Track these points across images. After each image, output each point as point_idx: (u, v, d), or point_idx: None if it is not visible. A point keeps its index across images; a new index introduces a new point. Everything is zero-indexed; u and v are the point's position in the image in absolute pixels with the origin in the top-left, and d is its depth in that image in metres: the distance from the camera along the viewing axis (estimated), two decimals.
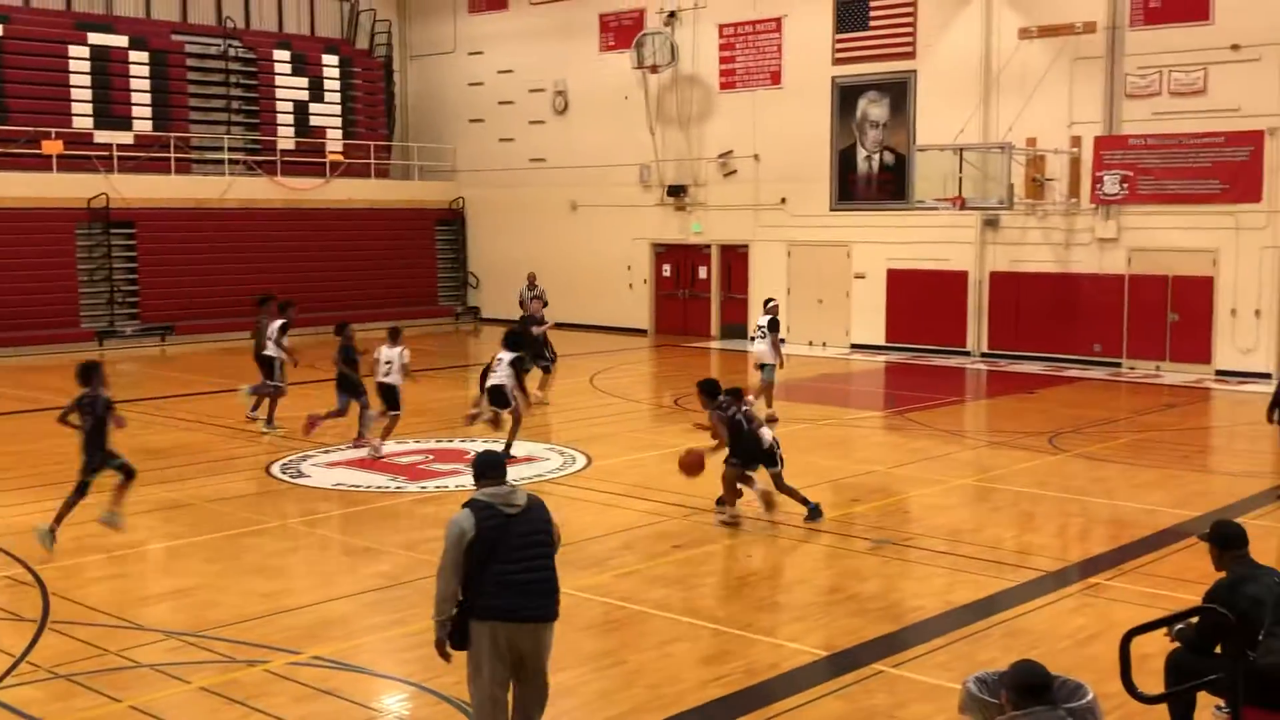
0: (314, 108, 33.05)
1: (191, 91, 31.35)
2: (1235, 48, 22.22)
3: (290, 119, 32.62)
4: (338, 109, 33.54)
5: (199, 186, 30.15)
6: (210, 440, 17.02)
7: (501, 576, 6.24)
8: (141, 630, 9.28)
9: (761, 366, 18.42)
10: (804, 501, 12.39)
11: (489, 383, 15.35)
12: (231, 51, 32.07)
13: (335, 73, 33.57)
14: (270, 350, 18.07)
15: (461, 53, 34.68)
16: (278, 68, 32.63)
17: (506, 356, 15.21)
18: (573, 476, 14.65)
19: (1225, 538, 6.93)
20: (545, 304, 22.18)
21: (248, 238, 30.60)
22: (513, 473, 14.55)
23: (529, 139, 33.23)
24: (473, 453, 15.59)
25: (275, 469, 15.08)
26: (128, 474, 11.41)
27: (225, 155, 30.88)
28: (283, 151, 32.06)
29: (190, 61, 31.46)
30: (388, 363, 16.12)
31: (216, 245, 30.10)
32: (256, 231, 30.78)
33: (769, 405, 18.09)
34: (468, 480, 14.20)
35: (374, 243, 32.94)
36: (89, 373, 11.36)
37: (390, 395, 16.01)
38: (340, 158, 32.89)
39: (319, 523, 12.87)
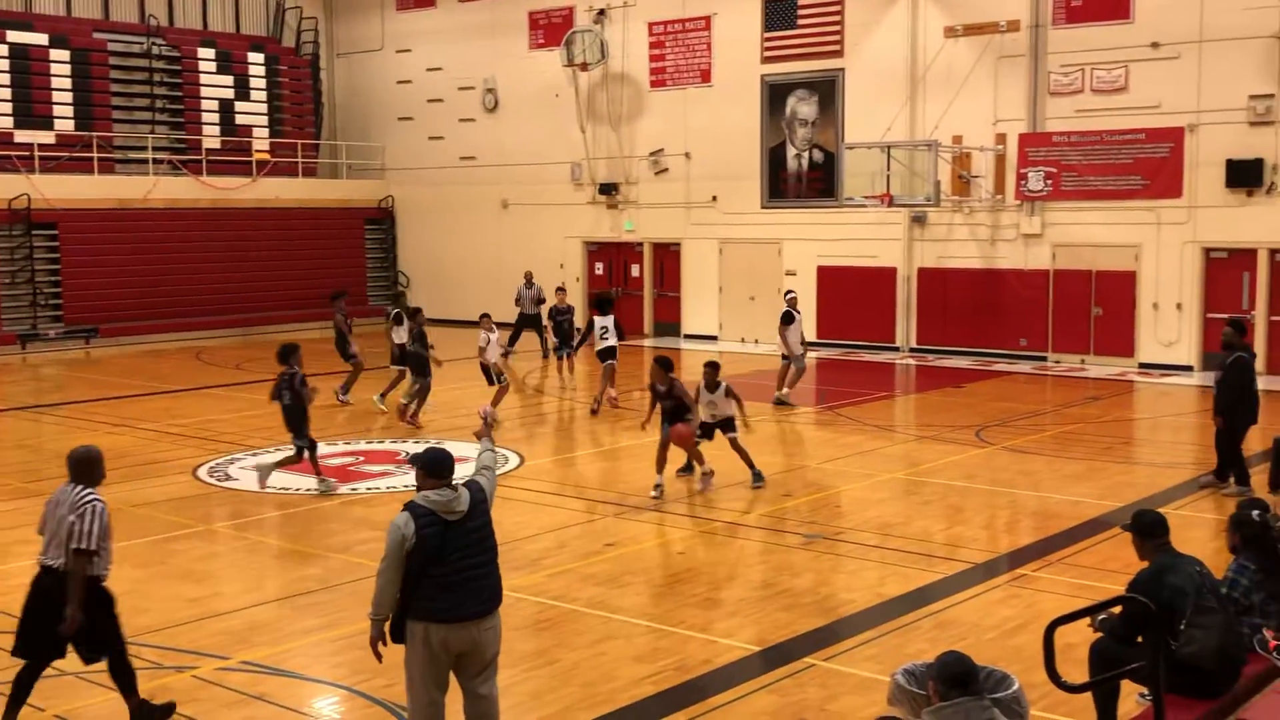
0: (240, 106, 32.65)
1: (114, 90, 30.85)
2: (1155, 46, 22.62)
3: (215, 117, 32.20)
4: (264, 107, 33.15)
5: (123, 186, 29.68)
6: (136, 444, 16.77)
7: (438, 580, 6.32)
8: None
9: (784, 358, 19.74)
10: (751, 465, 13.75)
11: (603, 345, 17.05)
12: (155, 49, 31.60)
13: (261, 71, 33.19)
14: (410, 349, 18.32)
15: (389, 50, 34.43)
16: (202, 66, 32.20)
17: (609, 321, 17.54)
18: (505, 476, 14.59)
19: (1146, 527, 7.06)
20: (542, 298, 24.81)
21: (173, 238, 30.18)
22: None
23: (459, 137, 33.08)
24: (405, 454, 15.64)
25: (203, 472, 14.89)
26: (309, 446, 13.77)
27: (149, 155, 30.43)
28: (208, 150, 31.65)
29: (112, 60, 30.96)
30: (482, 346, 18.01)
31: (141, 246, 29.66)
32: (182, 232, 30.38)
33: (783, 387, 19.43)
34: (399, 481, 14.22)
35: (302, 242, 32.62)
36: (288, 353, 13.69)
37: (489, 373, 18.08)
38: (267, 156, 32.53)
39: (248, 526, 12.72)
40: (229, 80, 32.49)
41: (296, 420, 13.69)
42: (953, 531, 12.17)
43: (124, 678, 7.50)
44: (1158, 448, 16.74)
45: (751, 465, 13.75)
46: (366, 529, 12.22)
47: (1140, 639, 6.64)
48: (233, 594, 10.24)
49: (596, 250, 31.04)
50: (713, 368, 13.89)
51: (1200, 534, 11.36)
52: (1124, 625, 6.71)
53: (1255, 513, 7.50)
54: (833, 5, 26.35)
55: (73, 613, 7.19)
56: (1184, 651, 6.55)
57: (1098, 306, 23.74)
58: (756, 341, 27.17)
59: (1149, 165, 22.87)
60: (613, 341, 19.06)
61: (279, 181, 32.39)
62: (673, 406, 13.44)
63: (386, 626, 6.53)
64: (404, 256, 34.89)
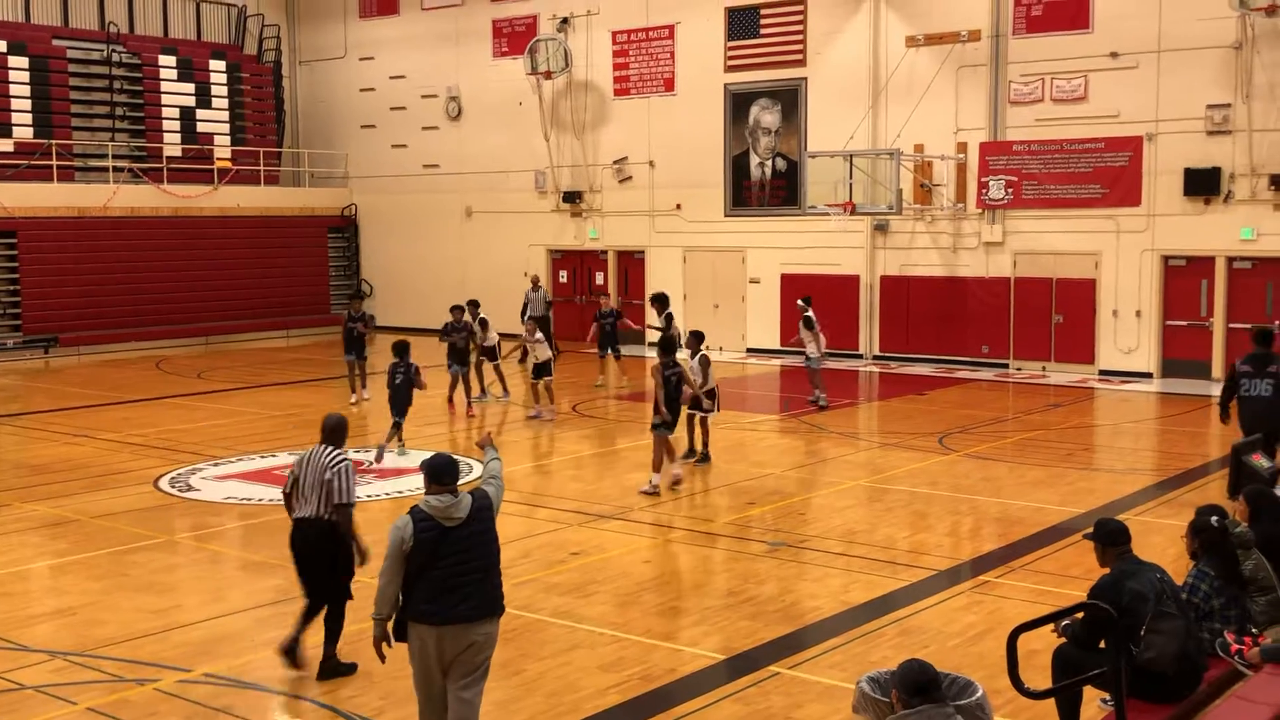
0: (201, 114, 32.43)
1: (74, 98, 30.59)
2: (1114, 55, 22.85)
3: (177, 125, 31.97)
4: (226, 115, 32.95)
5: (82, 195, 29.42)
6: (96, 454, 16.61)
7: (434, 582, 6.50)
8: (26, 651, 9.02)
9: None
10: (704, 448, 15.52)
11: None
12: (115, 57, 31.36)
13: (223, 78, 32.98)
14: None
15: (352, 58, 34.32)
16: (163, 73, 31.97)
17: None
18: (469, 485, 14.54)
19: (1109, 535, 7.12)
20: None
21: (133, 247, 29.95)
22: (405, 483, 14.49)
23: (422, 145, 33.00)
24: (369, 463, 15.57)
25: (164, 483, 14.77)
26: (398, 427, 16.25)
27: (109, 163, 30.18)
28: (169, 158, 31.42)
29: (72, 67, 30.71)
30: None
31: (101, 255, 29.41)
32: (142, 240, 30.15)
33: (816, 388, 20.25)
34: (363, 491, 14.12)
35: (264, 250, 32.44)
36: (403, 349, 16.22)
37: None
38: (228, 164, 32.33)
39: (210, 537, 12.63)
40: (190, 88, 32.28)
41: (402, 401, 16.19)
42: (916, 538, 12.23)
43: (335, 625, 8.53)
44: (1118, 454, 16.88)
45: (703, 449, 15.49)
46: None
47: (1102, 645, 6.70)
48: (195, 606, 10.16)
49: (561, 258, 31.02)
50: (696, 337, 15.69)
51: (1160, 540, 11.46)
52: (1086, 631, 6.76)
53: (1214, 519, 7.58)
54: (795, 15, 26.48)
55: (360, 548, 8.62)
56: (1145, 657, 6.61)
57: (1058, 314, 23.93)
58: (721, 349, 27.20)
59: (1108, 174, 23.10)
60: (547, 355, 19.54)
61: (241, 190, 32.20)
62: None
63: (390, 626, 6.68)
64: (367, 265, 34.76)
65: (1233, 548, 7.58)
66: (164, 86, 31.93)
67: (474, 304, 21.87)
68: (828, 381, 20.73)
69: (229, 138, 32.89)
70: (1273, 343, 13.20)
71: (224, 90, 32.96)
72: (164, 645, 9.12)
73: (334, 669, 8.45)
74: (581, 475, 15.47)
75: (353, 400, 21.02)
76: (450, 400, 20.36)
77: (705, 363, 15.26)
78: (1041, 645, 7.28)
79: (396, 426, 16.24)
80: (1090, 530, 7.28)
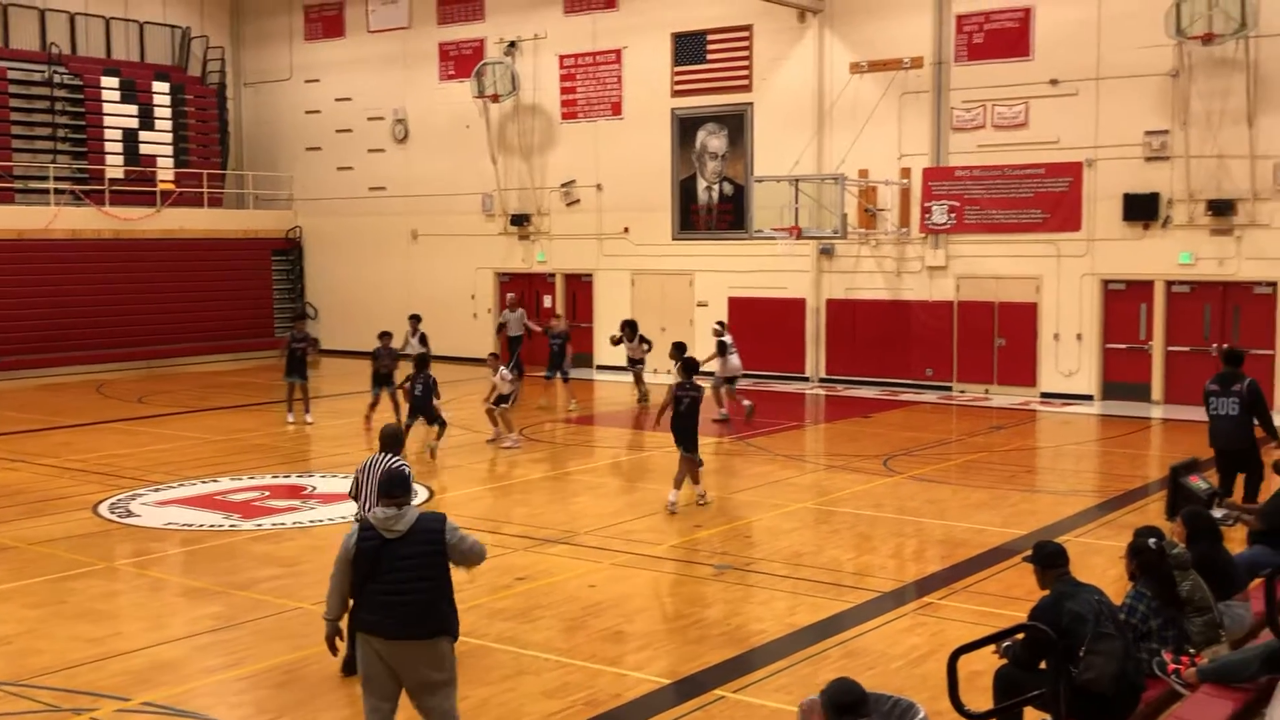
0: (144, 135, 32.12)
1: (14, 119, 30.19)
2: (1054, 83, 23.19)
3: (119, 147, 31.62)
4: (169, 137, 32.64)
5: (22, 217, 29.01)
6: (33, 480, 16.36)
7: (374, 595, 6.68)
8: None
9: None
10: None
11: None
12: (56, 78, 31.01)
13: (166, 100, 32.68)
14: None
15: (298, 80, 34.15)
16: (105, 95, 31.63)
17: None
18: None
19: (1047, 557, 7.21)
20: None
21: (74, 269, 29.56)
22: (349, 508, 14.38)
23: (368, 167, 32.87)
24: (311, 488, 15.44)
25: (104, 509, 14.57)
26: (443, 425, 17.82)
27: (50, 185, 29.79)
28: (111, 180, 31.08)
29: (12, 88, 30.30)
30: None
31: (41, 277, 28.98)
32: (83, 263, 29.76)
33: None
34: (305, 516, 14.03)
35: (207, 273, 32.12)
36: (423, 362, 17.82)
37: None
38: (172, 186, 32.03)
39: (150, 564, 12.46)
40: (133, 109, 31.98)
41: (426, 407, 17.59)
42: (861, 560, 12.30)
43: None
44: (1059, 476, 17.06)
45: None
46: (272, 565, 12.04)
47: (1042, 666, 6.77)
48: (134, 633, 10.02)
49: (508, 281, 30.97)
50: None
51: (1101, 561, 11.59)
52: (1026, 652, 6.84)
53: (1151, 541, 7.69)
54: (741, 41, 26.67)
55: None
56: (1084, 677, 6.68)
57: (1000, 337, 24.19)
58: (669, 372, 27.19)
59: (1049, 199, 23.41)
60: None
61: (184, 212, 31.90)
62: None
63: (344, 627, 7.03)
64: (312, 287, 34.52)
65: (1170, 569, 7.69)
66: (106, 108, 31.59)
67: (415, 318, 22.20)
68: (774, 405, 20.87)
69: (172, 160, 32.58)
70: (1241, 363, 13.37)
71: (167, 112, 32.66)
72: (102, 674, 8.99)
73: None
74: (528, 500, 15.43)
75: (290, 422, 20.88)
76: (367, 419, 20.34)
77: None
78: (983, 666, 7.34)
79: (442, 425, 17.74)
80: (1029, 553, 7.36)
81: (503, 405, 19.21)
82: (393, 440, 9.48)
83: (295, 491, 15.62)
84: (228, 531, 13.51)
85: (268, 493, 15.52)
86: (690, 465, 14.42)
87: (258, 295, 33.56)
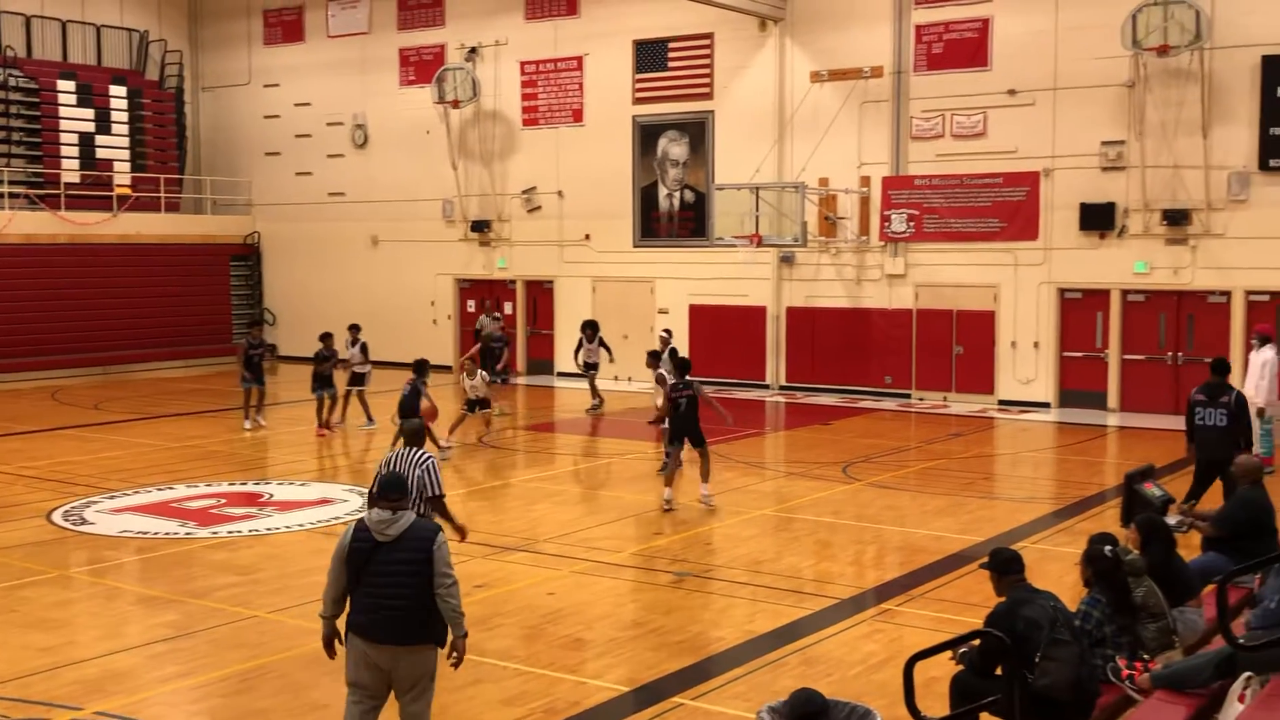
0: (101, 139, 31.84)
1: None
2: (1012, 93, 23.39)
3: (75, 151, 31.33)
4: (126, 141, 32.37)
5: None
6: None
7: (362, 596, 6.75)
8: None
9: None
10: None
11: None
12: (11, 81, 30.69)
13: (123, 104, 32.41)
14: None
15: (257, 85, 33.95)
16: (62, 99, 31.34)
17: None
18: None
19: (1003, 563, 7.26)
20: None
21: (29, 274, 29.24)
22: (306, 515, 14.31)
23: (327, 173, 32.71)
24: (268, 495, 15.34)
25: (57, 516, 14.40)
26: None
27: (5, 189, 29.46)
28: (67, 185, 30.77)
29: None
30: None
31: None
32: (39, 268, 29.45)
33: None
34: (261, 524, 13.93)
35: (165, 278, 31.87)
36: (421, 367, 17.60)
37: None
38: (128, 191, 31.74)
39: (104, 572, 12.33)
40: (90, 113, 31.69)
41: (406, 410, 16.87)
42: (821, 567, 12.34)
43: None
44: (1017, 483, 17.19)
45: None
46: (228, 573, 11.94)
47: (998, 672, 6.81)
48: (88, 642, 9.90)
49: (469, 288, 30.90)
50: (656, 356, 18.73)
51: (1058, 567, 11.68)
52: (981, 658, 6.88)
53: (1107, 549, 7.75)
54: (702, 49, 26.74)
55: (458, 526, 9.72)
56: (1039, 684, 6.72)
57: (959, 345, 24.35)
58: (630, 379, 27.27)
59: (1006, 208, 23.60)
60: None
61: (141, 216, 31.63)
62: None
63: (340, 626, 6.92)
64: (270, 293, 34.31)
65: (1125, 577, 7.75)
66: (62, 112, 31.31)
67: (354, 328, 22.10)
68: (735, 412, 20.82)
69: (129, 164, 32.31)
70: (1229, 373, 13.66)
71: (124, 116, 32.39)
72: (55, 683, 8.88)
73: None
74: (488, 507, 15.38)
75: (247, 427, 20.77)
76: (324, 426, 20.45)
77: (662, 380, 17.30)
78: (941, 673, 7.37)
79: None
80: (985, 560, 7.41)
81: (484, 410, 19.17)
82: (415, 435, 9.92)
83: (252, 499, 15.50)
84: (183, 539, 13.39)
85: (224, 500, 15.40)
86: (705, 460, 14.94)
87: (215, 301, 33.31)
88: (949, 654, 6.99)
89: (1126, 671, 7.41)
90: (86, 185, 31.16)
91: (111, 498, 15.43)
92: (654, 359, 19.57)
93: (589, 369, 23.82)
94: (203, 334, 32.63)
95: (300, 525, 14.04)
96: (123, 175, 31.96)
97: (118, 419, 22.80)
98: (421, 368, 17.75)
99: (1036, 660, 6.76)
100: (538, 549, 12.87)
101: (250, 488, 16.21)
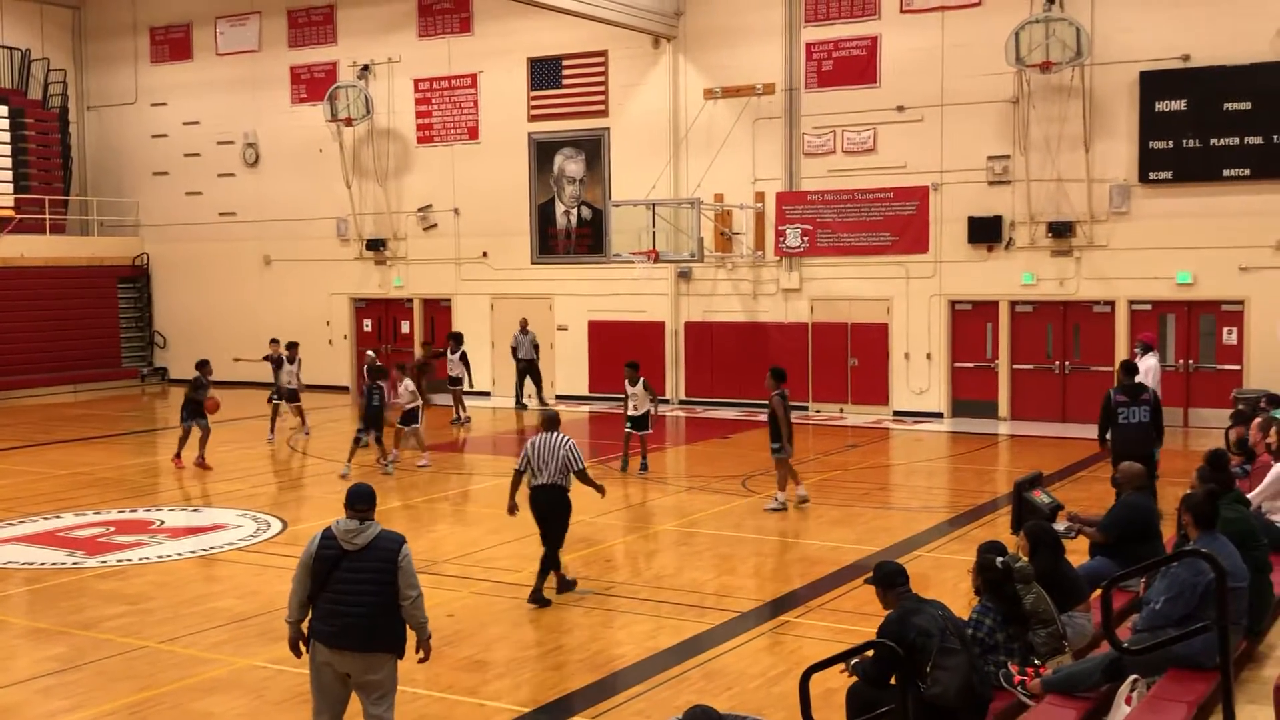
0: None
1: None
2: (900, 109, 23.81)
3: None
4: (8, 162, 31.52)
5: None
6: None
7: (325, 603, 6.93)
8: None
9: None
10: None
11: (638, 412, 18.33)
12: None
13: (5, 124, 31.57)
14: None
15: (144, 104, 33.29)
16: None
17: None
18: (266, 544, 14.18)
19: (887, 577, 7.39)
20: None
21: None
22: (198, 542, 14.05)
23: (218, 192, 32.17)
24: (159, 522, 15.03)
25: None
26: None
27: None
28: None
29: None
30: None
31: None
32: None
33: None
34: (153, 552, 13.63)
35: (50, 302, 31.07)
36: (378, 372, 18.57)
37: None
38: (11, 213, 30.90)
39: None
40: None
41: (375, 419, 18.06)
42: (721, 581, 12.41)
43: (546, 566, 11.50)
44: (912, 492, 17.45)
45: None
46: (117, 603, 11.66)
47: (893, 681, 6.90)
48: None
49: (365, 307, 30.58)
50: (632, 367, 18.36)
51: (953, 575, 11.88)
52: (875, 668, 6.97)
53: (1000, 560, 7.90)
54: (596, 67, 26.83)
55: (598, 486, 11.94)
56: (931, 692, 6.84)
57: (854, 357, 24.68)
58: (530, 396, 27.17)
59: (897, 222, 24.00)
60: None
61: (24, 239, 30.81)
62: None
63: (305, 628, 7.10)
64: (160, 315, 33.62)
65: (1015, 587, 7.91)
66: None
67: (292, 345, 22.69)
68: (616, 428, 20.91)
69: (11, 185, 31.48)
70: (1137, 374, 14.45)
71: (6, 136, 31.56)
72: None
73: (538, 597, 11.33)
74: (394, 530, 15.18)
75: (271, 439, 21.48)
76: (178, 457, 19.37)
77: (648, 386, 18.42)
78: (838, 684, 7.46)
79: (367, 442, 18.12)
80: (869, 575, 7.53)
81: (413, 425, 18.96)
82: (552, 421, 11.67)
83: (142, 526, 15.16)
84: (71, 569, 13.05)
85: (113, 528, 15.04)
86: (787, 466, 15.52)
87: (104, 324, 32.56)
88: (840, 666, 7.07)
89: (1018, 677, 7.57)
90: None
91: None
92: (633, 370, 18.76)
93: (453, 383, 23.85)
94: (91, 359, 31.87)
95: (192, 552, 13.76)
96: (5, 197, 31.13)
97: (2, 447, 22.17)
98: (379, 373, 19.08)
99: (928, 669, 6.87)
100: (438, 570, 12.75)
101: (140, 515, 15.85)
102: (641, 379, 18.53)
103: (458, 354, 24.01)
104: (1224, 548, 8.05)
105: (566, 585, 11.70)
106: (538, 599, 11.33)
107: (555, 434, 11.46)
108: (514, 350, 26.56)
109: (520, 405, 26.41)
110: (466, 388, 25.01)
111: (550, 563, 11.52)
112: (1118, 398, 13.78)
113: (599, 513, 15.62)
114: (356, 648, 6.92)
